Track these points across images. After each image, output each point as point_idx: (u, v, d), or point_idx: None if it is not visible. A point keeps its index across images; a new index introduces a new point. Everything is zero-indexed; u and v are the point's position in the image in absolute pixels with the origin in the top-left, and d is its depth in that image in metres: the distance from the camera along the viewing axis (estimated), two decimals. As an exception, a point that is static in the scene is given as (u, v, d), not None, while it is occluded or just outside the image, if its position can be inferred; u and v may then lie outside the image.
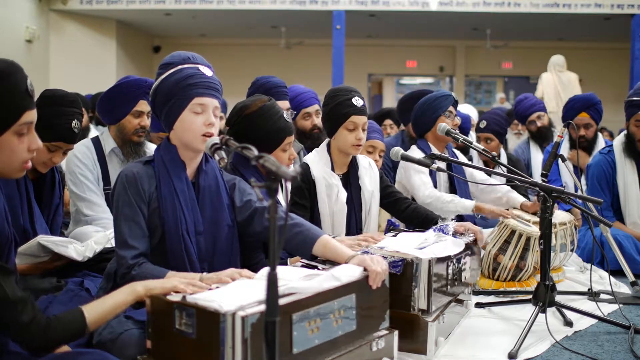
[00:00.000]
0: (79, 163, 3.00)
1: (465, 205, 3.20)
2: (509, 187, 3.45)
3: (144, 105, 3.04)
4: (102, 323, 1.69)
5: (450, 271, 2.29)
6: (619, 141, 3.80)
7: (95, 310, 1.64)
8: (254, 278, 1.85)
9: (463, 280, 2.45)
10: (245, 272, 1.90)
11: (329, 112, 2.81)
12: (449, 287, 2.30)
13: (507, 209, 3.29)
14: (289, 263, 2.20)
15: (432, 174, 3.36)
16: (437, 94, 3.52)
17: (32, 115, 1.56)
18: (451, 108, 3.46)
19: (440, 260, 2.20)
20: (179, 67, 2.06)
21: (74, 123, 2.56)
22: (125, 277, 1.92)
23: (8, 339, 1.66)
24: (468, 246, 2.48)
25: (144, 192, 2.01)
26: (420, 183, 3.29)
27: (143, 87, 3.03)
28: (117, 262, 1.98)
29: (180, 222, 2.02)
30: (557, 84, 7.36)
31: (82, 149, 3.02)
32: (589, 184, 3.85)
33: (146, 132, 3.11)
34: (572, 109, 4.25)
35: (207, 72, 2.08)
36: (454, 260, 2.32)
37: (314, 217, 2.74)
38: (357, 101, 2.77)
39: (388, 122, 5.81)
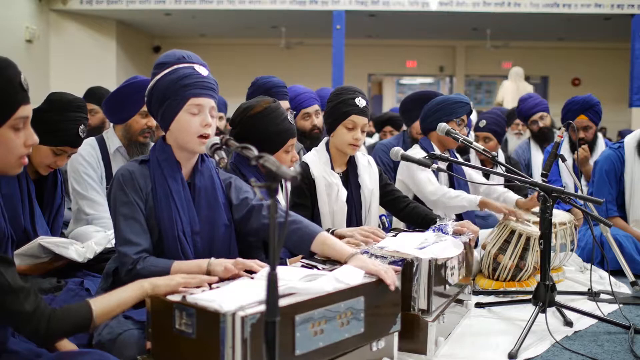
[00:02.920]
0: (83, 161, 3.00)
1: (471, 199, 3.19)
2: (505, 188, 3.46)
3: None
4: (109, 318, 1.68)
5: (450, 270, 2.29)
6: (632, 138, 3.78)
7: (102, 304, 1.64)
8: (257, 269, 1.86)
9: (453, 282, 2.43)
10: (255, 265, 1.88)
11: (331, 109, 2.82)
12: (448, 286, 2.30)
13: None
14: (288, 263, 2.20)
15: (434, 174, 3.35)
16: (457, 98, 3.46)
17: (27, 110, 1.57)
18: (464, 117, 3.44)
19: (437, 260, 2.20)
20: (174, 66, 2.04)
21: (81, 128, 2.57)
22: (129, 273, 1.91)
23: (7, 338, 1.66)
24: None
25: (140, 191, 2.00)
26: (426, 180, 3.28)
27: None
28: (119, 260, 1.97)
29: (175, 222, 2.01)
30: (514, 91, 8.16)
31: (87, 148, 3.02)
32: (596, 177, 3.83)
33: (152, 132, 3.11)
34: (570, 111, 4.23)
35: (203, 71, 2.06)
36: (453, 259, 2.32)
37: (314, 216, 2.75)
38: (360, 102, 2.78)
39: (388, 128, 5.83)
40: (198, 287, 1.74)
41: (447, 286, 2.31)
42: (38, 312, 1.50)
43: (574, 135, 4.21)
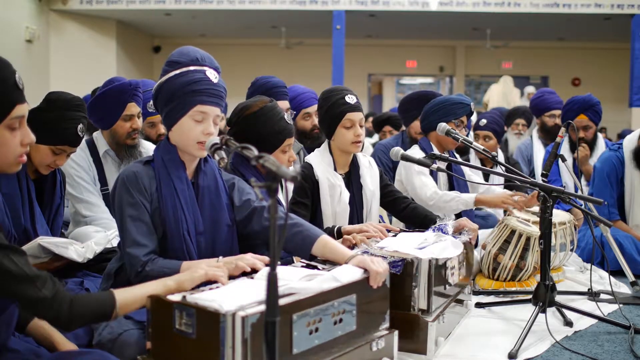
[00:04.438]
0: (75, 165, 3.00)
1: (467, 200, 3.18)
2: (504, 189, 3.45)
3: (133, 108, 3.03)
4: (130, 310, 1.69)
5: (450, 270, 2.29)
6: (629, 142, 3.76)
7: (126, 295, 1.65)
8: (260, 267, 1.86)
9: (454, 282, 2.43)
10: (258, 264, 1.88)
11: (324, 114, 2.82)
12: (449, 285, 2.30)
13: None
14: (294, 261, 2.20)
15: (432, 174, 3.35)
16: (458, 99, 3.45)
17: (23, 109, 1.57)
18: (464, 118, 3.43)
19: (442, 260, 2.20)
20: (186, 68, 2.03)
21: (80, 127, 2.57)
22: (139, 275, 1.91)
23: (8, 337, 1.67)
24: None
25: (145, 191, 2.00)
26: (422, 184, 3.27)
27: (129, 91, 3.01)
28: (128, 261, 1.97)
29: (180, 222, 2.02)
30: (499, 93, 8.84)
31: (77, 151, 3.01)
32: (596, 180, 3.81)
33: (139, 133, 3.10)
34: (570, 111, 4.23)
35: (214, 77, 2.05)
36: (452, 259, 2.32)
37: (317, 217, 2.75)
38: (350, 98, 2.77)
39: (388, 128, 5.83)
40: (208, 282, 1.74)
41: (447, 286, 2.31)
42: (58, 298, 1.52)
43: (574, 135, 4.21)
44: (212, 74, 2.05)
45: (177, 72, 2.03)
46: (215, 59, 2.17)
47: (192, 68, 2.04)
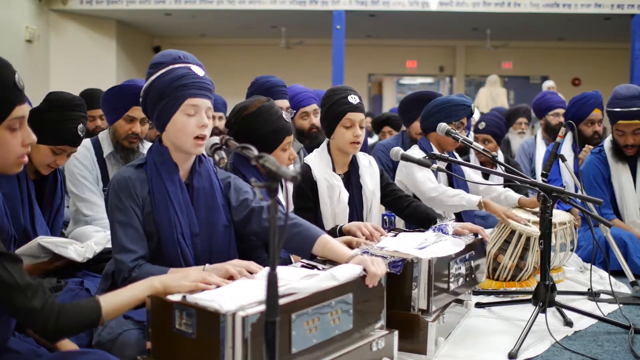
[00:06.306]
0: (78, 164, 3.01)
1: (471, 199, 3.16)
2: (506, 188, 3.45)
3: (137, 112, 3.02)
4: (118, 315, 1.68)
5: (455, 271, 2.29)
6: (608, 142, 3.81)
7: (112, 300, 1.64)
8: (257, 272, 1.85)
9: (471, 279, 2.44)
10: (252, 265, 1.88)
11: (326, 112, 2.82)
12: (453, 286, 2.29)
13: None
14: (293, 260, 2.19)
15: (433, 174, 3.35)
16: (458, 100, 3.44)
17: (23, 110, 1.57)
18: (464, 119, 3.42)
19: (443, 259, 2.19)
20: (171, 66, 2.03)
21: (80, 127, 2.57)
22: (125, 281, 1.90)
23: (8, 337, 1.67)
24: (475, 245, 2.47)
25: (137, 197, 1.99)
26: (424, 178, 3.27)
27: (137, 94, 3.01)
28: (116, 267, 1.96)
29: (174, 226, 2.01)
30: (487, 97, 9.22)
31: (82, 150, 3.02)
32: (585, 185, 3.84)
33: (139, 139, 3.09)
34: (585, 105, 4.28)
35: (199, 71, 2.06)
36: (459, 260, 2.32)
37: (316, 217, 2.74)
38: (353, 99, 2.77)
39: (387, 129, 5.84)
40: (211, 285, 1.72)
41: (449, 286, 2.31)
42: (46, 309, 1.50)
43: (589, 129, 4.28)
44: (197, 69, 2.06)
45: (163, 71, 2.03)
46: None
47: (176, 65, 2.04)
